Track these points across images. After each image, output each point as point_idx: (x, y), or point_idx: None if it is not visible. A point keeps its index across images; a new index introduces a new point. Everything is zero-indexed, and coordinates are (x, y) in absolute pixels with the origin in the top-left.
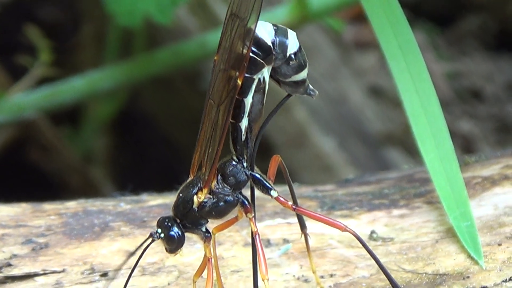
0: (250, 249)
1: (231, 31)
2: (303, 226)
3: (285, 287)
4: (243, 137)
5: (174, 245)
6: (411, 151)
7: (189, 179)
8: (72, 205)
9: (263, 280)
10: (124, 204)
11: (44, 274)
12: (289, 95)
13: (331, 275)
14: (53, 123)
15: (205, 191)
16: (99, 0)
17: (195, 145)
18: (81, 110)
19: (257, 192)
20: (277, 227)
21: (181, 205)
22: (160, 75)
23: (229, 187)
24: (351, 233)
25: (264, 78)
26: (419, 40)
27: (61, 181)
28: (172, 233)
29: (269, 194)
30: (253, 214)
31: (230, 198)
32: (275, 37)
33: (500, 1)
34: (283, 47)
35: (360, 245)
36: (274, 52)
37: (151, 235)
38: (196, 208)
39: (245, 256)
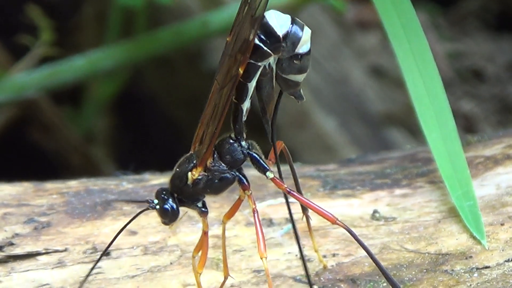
0: (252, 228)
1: (242, 16)
2: (304, 208)
3: (287, 266)
4: (244, 118)
5: (167, 218)
6: (413, 131)
7: (188, 153)
8: (74, 184)
9: (261, 259)
10: (126, 183)
11: (47, 253)
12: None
13: (334, 255)
14: (55, 103)
15: (199, 168)
16: None
17: (199, 122)
18: (82, 90)
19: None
20: (279, 207)
21: (177, 180)
22: (161, 55)
23: (225, 165)
24: (342, 226)
25: (270, 64)
26: (421, 20)
27: (63, 160)
28: (166, 206)
29: (265, 175)
30: (250, 191)
31: (226, 175)
32: (290, 29)
33: None
34: (295, 41)
35: (363, 224)
36: (283, 44)
37: (147, 202)
38: (190, 184)
39: (247, 235)
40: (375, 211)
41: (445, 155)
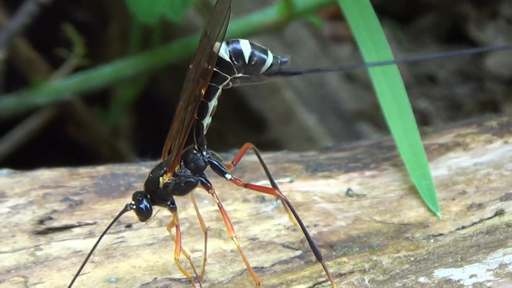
0: (249, 204)
1: (202, 48)
2: (278, 195)
3: (277, 235)
4: (205, 132)
5: (143, 215)
6: (378, 124)
7: (159, 162)
8: (102, 169)
9: (232, 239)
10: (145, 168)
11: (79, 226)
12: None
13: (315, 225)
14: (86, 104)
15: (169, 174)
16: (123, 3)
17: (167, 136)
18: (109, 93)
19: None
20: (269, 186)
21: (150, 184)
22: (173, 63)
23: (190, 171)
24: (281, 197)
25: (230, 84)
26: (385, 35)
27: (94, 151)
28: (141, 205)
29: (224, 177)
30: (213, 190)
31: (190, 179)
32: (228, 50)
33: (450, 2)
34: (240, 56)
35: (339, 200)
36: (234, 63)
37: (126, 206)
38: (161, 187)
39: (244, 209)
40: (348, 189)
41: (406, 143)
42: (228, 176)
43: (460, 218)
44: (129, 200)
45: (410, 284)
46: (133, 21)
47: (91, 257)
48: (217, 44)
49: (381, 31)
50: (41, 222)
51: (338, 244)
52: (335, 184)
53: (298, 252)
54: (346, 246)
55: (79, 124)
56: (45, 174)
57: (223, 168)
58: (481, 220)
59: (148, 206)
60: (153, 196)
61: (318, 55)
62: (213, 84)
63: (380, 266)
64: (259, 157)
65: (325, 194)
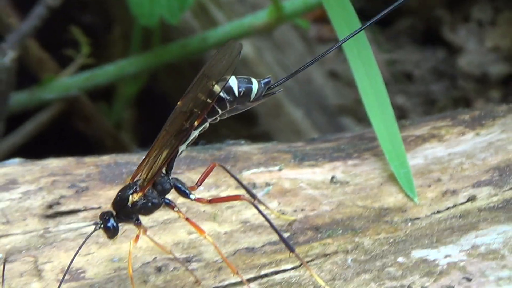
0: (241, 190)
1: (198, 86)
2: (253, 196)
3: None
4: (176, 157)
5: (110, 233)
6: (359, 119)
7: (128, 183)
8: (106, 158)
9: (205, 237)
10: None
11: (85, 210)
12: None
13: (302, 210)
14: (92, 100)
15: (140, 194)
16: (126, 6)
17: (142, 161)
18: (113, 90)
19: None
20: (260, 174)
21: (119, 202)
22: (171, 63)
23: (156, 192)
24: (247, 200)
25: (217, 119)
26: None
27: (98, 143)
28: (108, 224)
29: (189, 198)
30: (177, 209)
31: (156, 200)
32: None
33: (426, 7)
34: (230, 90)
35: (324, 187)
36: (227, 98)
37: (95, 224)
38: (130, 205)
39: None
40: (333, 177)
41: (386, 134)
42: (193, 196)
43: (435, 203)
44: None
45: (389, 264)
46: (135, 24)
47: (96, 238)
48: (232, 80)
49: (363, 33)
50: (50, 206)
51: (323, 227)
52: (320, 172)
53: (287, 234)
54: (331, 229)
55: (85, 118)
56: (54, 163)
57: (187, 191)
58: (454, 205)
59: (115, 224)
60: (120, 214)
61: (305, 55)
62: (205, 117)
63: (362, 247)
64: (227, 171)
65: (311, 181)
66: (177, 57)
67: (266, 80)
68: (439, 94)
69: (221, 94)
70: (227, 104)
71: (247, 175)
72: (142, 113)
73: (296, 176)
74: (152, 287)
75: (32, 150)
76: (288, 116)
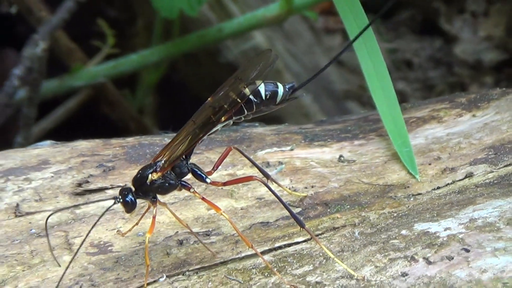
0: (254, 168)
1: (230, 86)
2: (267, 176)
3: (280, 195)
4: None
5: (128, 207)
6: (363, 103)
7: (150, 162)
8: (131, 140)
9: (221, 214)
10: (167, 139)
11: (112, 188)
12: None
13: (312, 186)
14: (117, 87)
15: (159, 174)
16: (148, 1)
17: (167, 144)
18: (136, 77)
19: (259, 129)
20: (274, 153)
21: (139, 179)
22: (190, 52)
23: (174, 175)
24: (259, 180)
25: (241, 118)
26: None
27: (123, 126)
28: (127, 199)
29: (205, 181)
30: (193, 190)
31: (173, 182)
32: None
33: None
34: (258, 94)
35: (332, 165)
36: (254, 101)
37: (114, 199)
38: (148, 183)
39: (252, 173)
40: (340, 156)
41: (389, 116)
42: (208, 180)
43: (435, 180)
44: None
45: (394, 236)
46: (156, 16)
47: (122, 214)
48: (259, 84)
49: (367, 22)
50: (79, 185)
51: (332, 203)
52: (329, 152)
53: (298, 209)
54: (339, 204)
55: (110, 103)
56: (83, 145)
57: (203, 175)
58: (453, 182)
59: (133, 199)
60: (138, 191)
61: (313, 44)
62: (231, 115)
63: (368, 221)
64: (243, 153)
65: (321, 160)
66: (195, 47)
67: (291, 84)
68: (437, 80)
69: (250, 96)
70: (254, 106)
71: (261, 155)
72: (163, 98)
73: (307, 156)
74: (174, 259)
75: (62, 133)
76: (298, 101)
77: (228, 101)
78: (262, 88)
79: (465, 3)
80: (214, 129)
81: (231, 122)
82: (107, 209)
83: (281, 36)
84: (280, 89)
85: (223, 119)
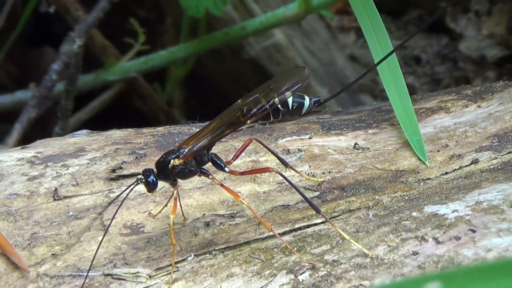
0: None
1: (262, 93)
2: (286, 164)
3: (299, 180)
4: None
5: (149, 187)
6: (375, 95)
7: (174, 148)
8: (161, 129)
9: (241, 202)
10: (195, 128)
11: None
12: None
13: (329, 172)
14: (147, 81)
15: (181, 161)
16: (176, 1)
17: (193, 134)
18: (165, 72)
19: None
20: (294, 141)
21: (161, 163)
22: (215, 48)
23: (195, 162)
24: (275, 171)
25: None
26: None
27: (153, 117)
28: (149, 179)
29: (224, 170)
30: (211, 177)
31: (193, 169)
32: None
33: (431, 0)
34: (285, 103)
35: (348, 152)
36: (281, 110)
37: (137, 179)
38: (170, 167)
39: (274, 160)
40: (355, 144)
41: (400, 107)
42: (227, 169)
43: (443, 165)
44: None
45: (405, 218)
46: (184, 15)
47: (153, 197)
48: (288, 95)
49: (381, 22)
50: (113, 171)
51: (348, 187)
52: (345, 140)
53: (316, 193)
54: (354, 188)
55: (142, 96)
56: (116, 134)
57: (222, 164)
58: (460, 167)
59: (155, 180)
60: (160, 173)
61: (329, 41)
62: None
63: (381, 204)
64: (263, 144)
65: (337, 148)
66: (219, 43)
67: (317, 99)
68: (443, 74)
69: (278, 105)
70: (280, 114)
71: (282, 143)
72: (190, 92)
73: (324, 143)
74: (202, 239)
75: (97, 124)
76: (315, 94)
77: (258, 106)
78: (290, 100)
79: (470, 3)
80: (239, 128)
81: (255, 125)
82: (129, 187)
83: (299, 34)
84: (306, 102)
85: (249, 121)
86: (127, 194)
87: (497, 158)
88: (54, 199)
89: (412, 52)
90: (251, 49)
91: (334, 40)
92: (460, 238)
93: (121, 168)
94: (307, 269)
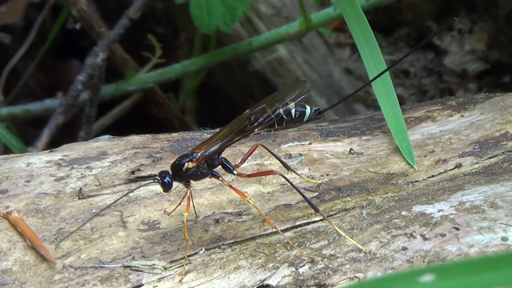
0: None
1: (268, 104)
2: (288, 168)
3: (300, 181)
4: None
5: (165, 187)
6: (368, 105)
7: (187, 152)
8: (175, 135)
9: (247, 201)
10: (206, 134)
11: None
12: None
13: (327, 174)
14: (163, 91)
15: (194, 164)
16: (190, 19)
17: (205, 140)
18: (179, 83)
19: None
20: (295, 147)
21: (176, 166)
22: (224, 62)
23: (206, 165)
24: (278, 174)
25: (271, 130)
26: None
27: (169, 124)
28: (165, 180)
29: (232, 173)
30: (221, 178)
31: (204, 171)
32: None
33: (418, 19)
34: (289, 113)
35: (344, 157)
36: (285, 118)
37: (154, 178)
38: (184, 170)
39: (277, 163)
40: (351, 149)
41: (391, 116)
42: (235, 172)
43: (430, 169)
44: None
45: (395, 216)
46: (197, 32)
47: (168, 197)
48: (291, 105)
49: (374, 38)
50: (132, 172)
51: (344, 188)
52: (341, 145)
53: (315, 194)
54: (349, 189)
55: (158, 105)
56: (135, 139)
57: (231, 167)
58: (445, 171)
59: (170, 181)
60: (175, 175)
61: (326, 56)
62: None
63: (374, 204)
64: (267, 149)
65: (334, 152)
66: (228, 57)
67: (317, 108)
68: (429, 86)
69: (282, 114)
70: (284, 123)
71: (284, 148)
72: (201, 101)
73: (323, 148)
74: (212, 235)
75: (118, 129)
76: (315, 103)
77: (264, 115)
78: (293, 109)
79: (453, 22)
80: (247, 136)
81: (261, 132)
82: (145, 184)
83: (300, 49)
84: (307, 111)
85: (256, 130)
86: (140, 186)
87: (478, 162)
88: (79, 198)
89: (401, 66)
90: (257, 62)
91: (331, 55)
92: (445, 235)
93: (140, 170)
94: (307, 262)
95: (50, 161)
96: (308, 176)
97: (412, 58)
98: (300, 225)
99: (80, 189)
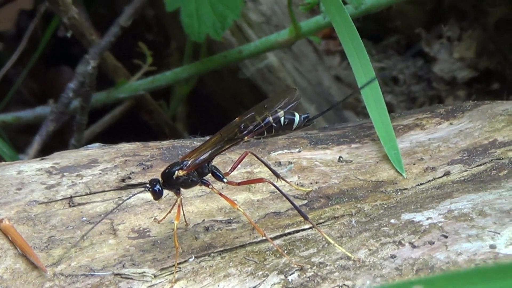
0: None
1: (257, 112)
2: (277, 175)
3: (290, 189)
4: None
5: (155, 195)
6: (358, 112)
7: (177, 161)
8: (165, 143)
9: (237, 209)
10: (196, 142)
11: None
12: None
13: (316, 182)
14: (154, 98)
15: (184, 172)
16: (180, 27)
17: (195, 148)
18: (170, 90)
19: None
20: (284, 154)
21: (166, 174)
22: (215, 69)
23: (197, 173)
24: (268, 182)
25: (260, 138)
26: None
27: (159, 131)
28: (155, 188)
29: (222, 181)
30: (211, 186)
31: (195, 179)
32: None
33: (408, 26)
34: (278, 120)
35: (333, 165)
36: (273, 126)
37: (144, 187)
38: (174, 178)
39: (266, 171)
40: (340, 157)
41: (380, 124)
42: (225, 180)
43: (419, 177)
44: None
45: (384, 224)
46: (187, 40)
47: (158, 205)
48: (280, 113)
49: (363, 46)
50: (122, 180)
51: (333, 196)
52: (330, 153)
53: (305, 201)
54: (339, 197)
55: (149, 112)
56: (126, 147)
57: (221, 175)
58: (434, 179)
59: (160, 189)
60: (165, 183)
61: (316, 63)
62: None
63: (363, 211)
64: (257, 157)
65: (323, 160)
66: (219, 65)
67: (306, 115)
68: (418, 94)
69: (271, 122)
70: (273, 130)
71: (274, 155)
72: (192, 108)
73: (312, 156)
74: (201, 242)
75: (109, 137)
76: (304, 110)
77: (254, 123)
78: (282, 117)
79: (442, 30)
80: (237, 144)
81: (251, 140)
82: (136, 193)
83: (290, 57)
84: (296, 118)
85: (246, 138)
86: (131, 196)
87: (467, 170)
88: (70, 206)
89: (390, 73)
90: (247, 70)
91: (321, 62)
92: (433, 243)
93: (130, 178)
94: (296, 270)
95: (41, 169)
96: (297, 184)
97: (402, 65)
98: (289, 233)
99: (71, 197)
